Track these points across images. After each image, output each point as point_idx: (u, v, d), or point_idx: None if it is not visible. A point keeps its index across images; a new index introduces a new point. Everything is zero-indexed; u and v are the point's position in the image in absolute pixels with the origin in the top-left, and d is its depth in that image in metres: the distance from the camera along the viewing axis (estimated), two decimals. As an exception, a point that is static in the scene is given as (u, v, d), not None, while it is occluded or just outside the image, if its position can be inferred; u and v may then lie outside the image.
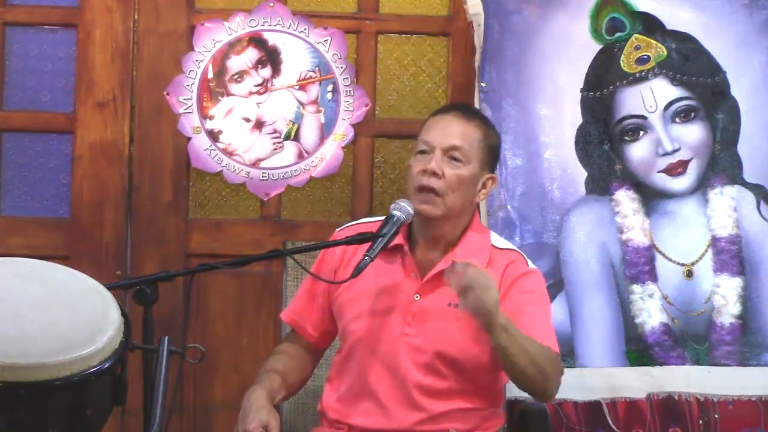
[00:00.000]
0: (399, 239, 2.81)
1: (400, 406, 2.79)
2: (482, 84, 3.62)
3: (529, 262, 2.90)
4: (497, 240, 2.93)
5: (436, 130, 2.84)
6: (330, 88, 3.88)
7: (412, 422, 2.79)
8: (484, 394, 2.85)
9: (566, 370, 3.37)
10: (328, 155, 3.87)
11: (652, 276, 3.58)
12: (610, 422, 3.48)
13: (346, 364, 2.87)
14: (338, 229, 2.97)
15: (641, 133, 3.65)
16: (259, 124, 3.86)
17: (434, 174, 2.78)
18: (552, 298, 3.47)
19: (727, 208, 3.63)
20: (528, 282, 2.85)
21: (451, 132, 2.83)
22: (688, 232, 3.63)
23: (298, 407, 3.16)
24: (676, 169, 3.65)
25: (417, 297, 2.82)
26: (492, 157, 2.89)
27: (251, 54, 3.86)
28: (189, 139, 3.84)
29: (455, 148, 2.81)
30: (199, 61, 3.83)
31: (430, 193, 2.78)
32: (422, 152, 2.83)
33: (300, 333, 2.96)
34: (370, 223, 2.91)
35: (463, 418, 2.82)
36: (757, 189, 3.65)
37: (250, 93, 3.86)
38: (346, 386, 2.86)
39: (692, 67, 3.68)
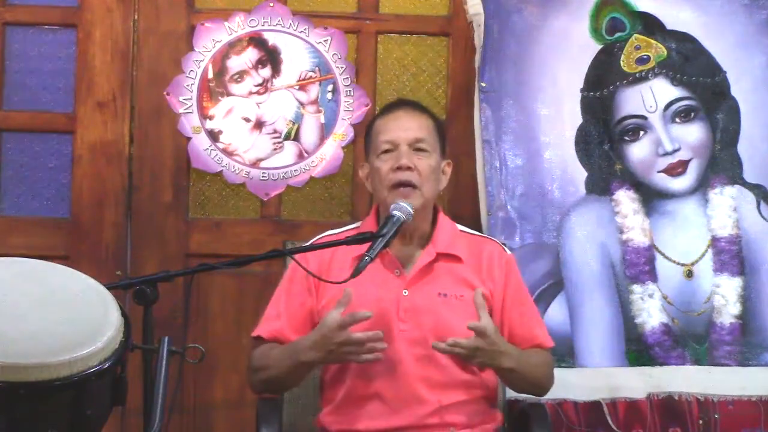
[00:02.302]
0: None
1: (406, 401, 2.82)
2: (482, 84, 3.62)
3: (505, 247, 3.01)
4: (461, 226, 3.02)
5: (395, 128, 2.91)
6: (330, 88, 3.88)
7: (418, 416, 2.82)
8: (482, 383, 2.89)
9: (566, 370, 3.40)
10: (328, 155, 3.87)
11: (652, 276, 3.58)
12: (610, 422, 3.48)
13: (342, 374, 2.88)
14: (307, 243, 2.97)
15: (641, 133, 3.65)
16: (259, 124, 3.86)
17: (408, 168, 2.84)
18: (552, 298, 3.51)
19: (727, 208, 3.63)
20: (515, 272, 2.97)
21: (411, 126, 2.91)
22: (688, 232, 3.63)
23: (297, 409, 3.16)
24: (676, 169, 3.65)
25: (406, 292, 2.86)
26: (444, 143, 2.98)
27: (251, 54, 3.86)
28: (189, 139, 3.84)
29: (420, 140, 2.89)
30: (199, 61, 3.83)
31: (408, 187, 2.84)
32: (386, 152, 2.89)
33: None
34: (336, 234, 2.96)
35: (465, 410, 2.86)
36: (757, 189, 3.65)
37: (250, 93, 3.86)
38: (344, 394, 2.87)
39: (692, 67, 3.68)
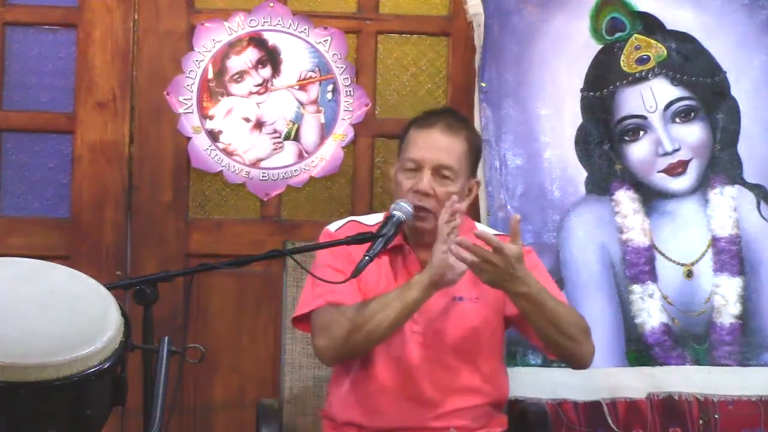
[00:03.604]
0: (398, 240, 2.83)
1: (413, 403, 2.82)
2: (482, 84, 3.62)
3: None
4: (481, 227, 3.00)
5: (423, 148, 2.86)
6: (330, 88, 3.88)
7: (424, 418, 2.82)
8: (491, 390, 2.88)
9: (566, 370, 3.39)
10: (328, 155, 3.87)
11: (652, 276, 3.58)
12: (610, 422, 3.48)
13: (351, 366, 2.87)
14: (334, 229, 2.96)
15: (641, 133, 3.65)
16: (259, 124, 3.86)
17: (426, 194, 2.82)
18: (552, 298, 3.48)
19: (727, 208, 3.63)
20: (532, 259, 2.90)
21: (439, 149, 2.85)
22: (688, 232, 3.63)
23: (297, 408, 3.16)
24: (676, 169, 3.65)
25: None
26: (476, 161, 2.95)
27: (251, 54, 3.86)
28: (189, 139, 3.84)
29: (445, 167, 2.85)
30: (199, 61, 3.83)
31: (424, 212, 2.83)
32: (410, 169, 2.86)
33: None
34: (363, 223, 2.93)
35: (470, 414, 2.85)
36: (757, 189, 3.65)
37: (250, 93, 3.86)
38: (353, 388, 2.87)
39: (692, 67, 3.68)
